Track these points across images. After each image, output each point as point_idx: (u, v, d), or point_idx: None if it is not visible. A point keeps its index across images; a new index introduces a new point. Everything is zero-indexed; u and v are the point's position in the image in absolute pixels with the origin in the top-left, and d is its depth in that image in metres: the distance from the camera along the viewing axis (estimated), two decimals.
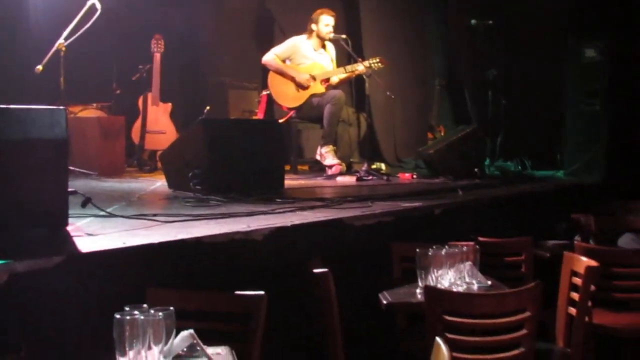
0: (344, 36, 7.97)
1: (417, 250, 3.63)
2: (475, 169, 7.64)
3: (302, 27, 8.23)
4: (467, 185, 6.71)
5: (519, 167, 8.95)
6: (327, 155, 7.69)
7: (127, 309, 2.34)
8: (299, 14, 8.88)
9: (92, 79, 8.97)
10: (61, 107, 3.55)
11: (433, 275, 3.56)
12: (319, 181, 7.23)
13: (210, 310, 2.91)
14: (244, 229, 3.67)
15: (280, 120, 8.04)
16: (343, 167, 7.72)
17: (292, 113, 8.06)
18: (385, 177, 7.33)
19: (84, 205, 3.93)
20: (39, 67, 6.96)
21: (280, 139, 6.15)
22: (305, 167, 8.63)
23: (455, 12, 10.05)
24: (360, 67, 7.79)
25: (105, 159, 7.37)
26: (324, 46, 8.15)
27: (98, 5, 7.04)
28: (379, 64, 7.76)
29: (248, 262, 3.61)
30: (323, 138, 7.80)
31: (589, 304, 3.85)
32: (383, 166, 8.62)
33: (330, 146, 7.73)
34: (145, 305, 2.38)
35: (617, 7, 8.69)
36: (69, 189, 3.59)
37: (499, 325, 3.19)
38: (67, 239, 3.30)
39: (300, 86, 7.90)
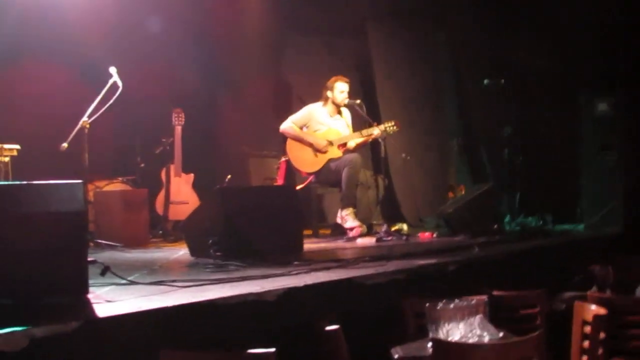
0: (358, 101, 8.14)
1: (427, 304, 3.69)
2: (494, 226, 7.68)
3: (318, 92, 8.44)
4: (485, 242, 6.77)
5: (540, 223, 8.98)
6: (347, 218, 7.79)
7: None
8: (314, 80, 9.09)
9: (117, 153, 9.23)
10: (79, 181, 3.71)
11: (443, 329, 3.61)
12: (339, 244, 7.32)
13: None
14: (257, 290, 3.79)
15: (300, 186, 8.20)
16: (363, 229, 7.81)
17: (311, 178, 8.22)
18: (404, 237, 7.41)
19: (102, 273, 4.08)
20: (64, 145, 7.21)
21: (296, 203, 6.26)
22: (328, 231, 8.74)
23: (467, 72, 10.21)
24: (375, 131, 7.94)
25: (130, 231, 7.54)
26: (339, 112, 8.33)
27: (119, 83, 7.32)
28: (394, 128, 7.91)
29: (261, 323, 3.70)
30: (342, 201, 7.91)
31: (600, 352, 3.88)
32: (405, 227, 8.69)
33: (350, 209, 7.84)
34: None
35: (627, 61, 8.80)
36: (89, 259, 3.74)
37: None
38: (87, 306, 3.44)
39: (318, 151, 8.07)
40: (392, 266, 4.92)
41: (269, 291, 3.80)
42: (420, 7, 10.41)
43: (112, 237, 7.32)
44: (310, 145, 8.11)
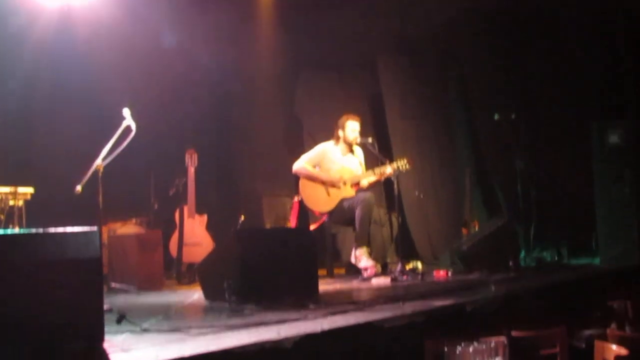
0: (370, 139, 8.12)
1: (445, 348, 3.66)
2: (510, 262, 7.63)
3: (329, 130, 8.45)
4: (501, 279, 6.72)
5: (556, 257, 8.91)
6: (361, 258, 7.74)
7: None
8: (326, 117, 9.11)
9: (131, 195, 9.25)
10: (94, 228, 3.72)
11: None
12: (354, 284, 7.27)
13: None
14: (274, 337, 3.75)
15: (313, 226, 8.18)
16: (378, 268, 7.78)
17: (324, 217, 8.19)
18: (419, 276, 7.37)
19: (118, 322, 4.07)
20: (79, 188, 7.20)
21: (312, 245, 6.24)
22: (342, 270, 8.70)
23: (479, 107, 10.20)
24: (388, 169, 7.90)
25: (144, 273, 7.52)
26: (351, 150, 8.33)
27: (133, 126, 7.32)
28: (407, 165, 7.87)
29: None
30: (356, 240, 7.88)
31: None
32: (419, 264, 8.64)
33: (364, 248, 7.79)
34: None
35: (637, 92, 8.80)
36: (105, 307, 3.73)
37: None
38: (102, 355, 3.42)
39: (332, 187, 8.06)
40: (409, 308, 4.88)
41: (287, 338, 3.77)
42: (431, 43, 10.45)
43: (126, 280, 7.33)
44: (324, 183, 8.11)
